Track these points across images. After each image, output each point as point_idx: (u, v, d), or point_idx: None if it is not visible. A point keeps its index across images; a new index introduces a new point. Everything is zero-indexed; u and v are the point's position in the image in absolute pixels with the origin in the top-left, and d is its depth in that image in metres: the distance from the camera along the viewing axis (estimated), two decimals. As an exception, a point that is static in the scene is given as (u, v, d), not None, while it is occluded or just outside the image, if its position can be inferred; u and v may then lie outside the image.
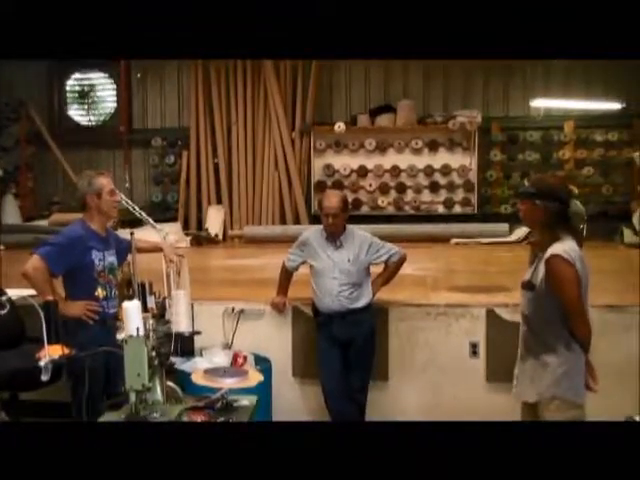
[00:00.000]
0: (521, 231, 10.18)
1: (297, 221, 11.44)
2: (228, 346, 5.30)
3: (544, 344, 3.46)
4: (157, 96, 12.85)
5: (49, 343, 3.19)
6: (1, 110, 13.04)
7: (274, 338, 5.42)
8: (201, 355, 5.19)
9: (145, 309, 3.44)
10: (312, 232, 5.19)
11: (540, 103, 11.38)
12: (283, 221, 11.54)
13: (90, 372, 3.85)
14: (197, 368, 3.64)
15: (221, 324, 5.42)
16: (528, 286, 3.50)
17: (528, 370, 3.55)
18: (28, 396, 5.42)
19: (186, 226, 11.71)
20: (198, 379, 3.29)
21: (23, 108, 12.79)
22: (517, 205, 3.76)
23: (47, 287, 4.18)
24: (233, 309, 5.46)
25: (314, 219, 11.25)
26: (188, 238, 10.81)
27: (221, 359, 5.03)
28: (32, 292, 4.79)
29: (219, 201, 11.83)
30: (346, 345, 4.96)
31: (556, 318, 3.40)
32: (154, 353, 2.95)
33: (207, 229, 11.28)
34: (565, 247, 3.37)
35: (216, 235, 11.25)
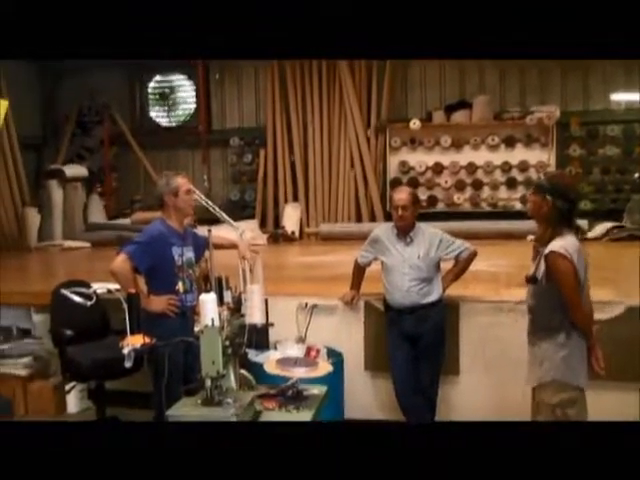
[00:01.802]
0: (601, 227, 10.02)
1: (373, 218, 11.53)
2: (302, 340, 5.43)
3: (546, 332, 3.67)
4: (235, 96, 13.14)
5: (131, 333, 3.40)
6: (85, 113, 13.61)
7: (346, 332, 5.53)
8: (275, 348, 5.34)
9: (221, 303, 3.62)
10: (383, 229, 5.29)
11: (621, 96, 11.14)
12: (359, 219, 11.65)
13: (170, 362, 4.06)
14: (269, 359, 3.77)
15: (295, 318, 5.55)
16: (532, 280, 3.70)
17: (533, 357, 3.76)
18: (113, 385, 5.71)
19: (263, 224, 11.96)
20: (270, 368, 3.44)
21: (106, 111, 13.31)
22: (527, 197, 3.87)
23: (132, 283, 4.41)
24: (307, 304, 5.59)
25: (390, 216, 11.31)
26: (265, 236, 11.03)
27: (295, 352, 5.17)
28: (117, 286, 5.07)
29: (295, 199, 12.03)
30: (416, 340, 5.03)
31: (556, 308, 3.60)
32: (228, 343, 3.10)
33: (284, 227, 11.49)
34: (563, 243, 3.52)
35: (293, 232, 11.45)
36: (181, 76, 13.73)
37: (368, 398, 5.49)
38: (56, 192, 11.83)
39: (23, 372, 6.41)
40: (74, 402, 6.28)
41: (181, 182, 4.73)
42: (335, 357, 5.19)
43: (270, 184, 12.21)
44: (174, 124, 13.89)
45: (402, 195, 5.08)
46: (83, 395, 6.31)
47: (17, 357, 6.53)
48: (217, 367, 2.99)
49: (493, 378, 5.26)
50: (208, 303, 3.39)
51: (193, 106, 13.63)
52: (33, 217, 11.67)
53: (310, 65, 12.01)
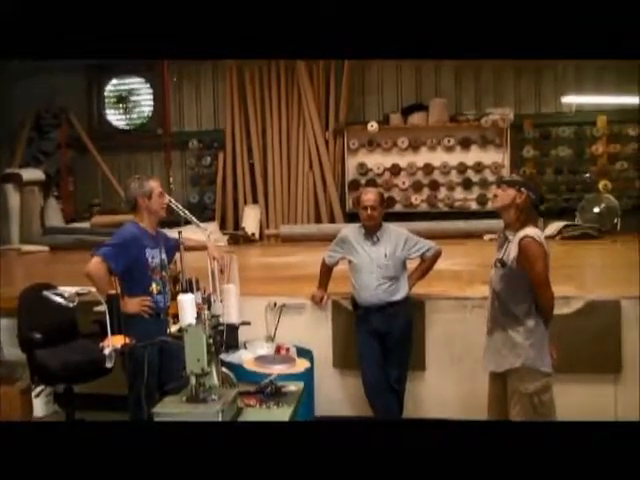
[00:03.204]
0: (555, 226, 10.28)
1: (332, 220, 11.66)
2: (271, 339, 5.52)
3: (513, 317, 3.93)
4: (193, 99, 13.16)
5: (112, 334, 3.45)
6: (42, 116, 13.45)
7: (315, 331, 5.64)
8: (245, 348, 5.41)
9: None
10: (350, 229, 5.40)
11: (572, 99, 11.46)
12: (318, 220, 11.77)
13: (141, 364, 4.12)
14: (247, 357, 3.86)
15: (264, 318, 5.63)
16: (500, 263, 3.95)
17: (497, 342, 4.03)
18: (80, 389, 5.71)
19: (223, 226, 12.00)
20: (250, 365, 3.52)
21: (63, 114, 13.19)
22: (494, 191, 4.49)
23: (108, 285, 4.44)
24: (275, 304, 5.68)
25: (349, 217, 11.47)
26: (225, 237, 11.07)
27: (265, 351, 5.25)
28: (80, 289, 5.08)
29: (255, 201, 12.10)
30: (384, 337, 5.16)
31: (525, 293, 3.88)
32: (211, 341, 3.18)
33: (244, 228, 11.55)
34: (535, 231, 3.86)
35: (253, 234, 11.52)
36: (138, 79, 13.68)
37: (337, 395, 5.60)
38: (13, 196, 11.72)
39: (-13, 377, 6.38)
40: (40, 406, 6.25)
41: (154, 185, 4.78)
42: (305, 355, 5.27)
43: (229, 186, 12.26)
44: (132, 127, 13.82)
45: (370, 196, 5.20)
46: (49, 399, 6.30)
47: (-18, 362, 6.49)
48: (202, 364, 3.07)
49: (459, 373, 5.41)
50: (186, 303, 3.46)
51: (151, 109, 13.60)
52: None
53: (269, 68, 12.10)
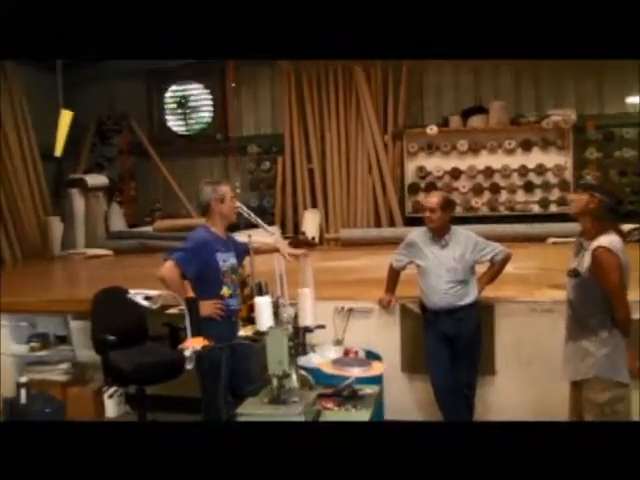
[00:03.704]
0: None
1: (391, 223, 11.65)
2: (339, 342, 5.54)
3: (587, 327, 3.82)
4: (251, 104, 13.28)
5: (192, 336, 3.52)
6: (104, 123, 13.75)
7: (383, 335, 5.64)
8: (314, 352, 5.45)
9: None
10: (417, 233, 5.39)
11: (636, 99, 11.24)
12: (378, 224, 11.77)
13: (218, 366, 4.20)
14: (322, 360, 3.89)
15: (331, 322, 5.65)
16: (574, 273, 3.84)
17: (572, 351, 3.91)
18: (151, 390, 5.82)
19: (282, 230, 12.07)
20: (326, 368, 3.55)
21: (125, 120, 13.47)
22: (570, 196, 4.05)
23: (182, 289, 4.52)
24: (343, 308, 5.71)
25: (408, 221, 11.45)
26: (286, 242, 11.12)
27: (333, 355, 5.28)
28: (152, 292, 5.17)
29: (314, 205, 12.15)
30: (453, 341, 5.13)
31: (598, 303, 3.76)
32: (291, 343, 3.21)
33: (304, 232, 11.60)
34: (611, 239, 3.70)
35: (313, 238, 11.57)
36: (197, 85, 13.87)
37: (406, 399, 5.59)
38: (78, 201, 11.97)
39: (62, 378, 6.55)
40: (112, 407, 6.39)
41: (226, 189, 4.85)
42: (373, 359, 5.28)
43: (289, 191, 12.35)
44: (191, 132, 14.02)
45: (431, 199, 5.21)
46: (121, 400, 6.44)
47: (55, 363, 6.67)
48: (283, 366, 3.11)
49: (528, 378, 5.36)
50: (264, 305, 3.51)
51: (210, 114, 13.77)
52: (56, 226, 11.80)
53: (326, 72, 12.16)
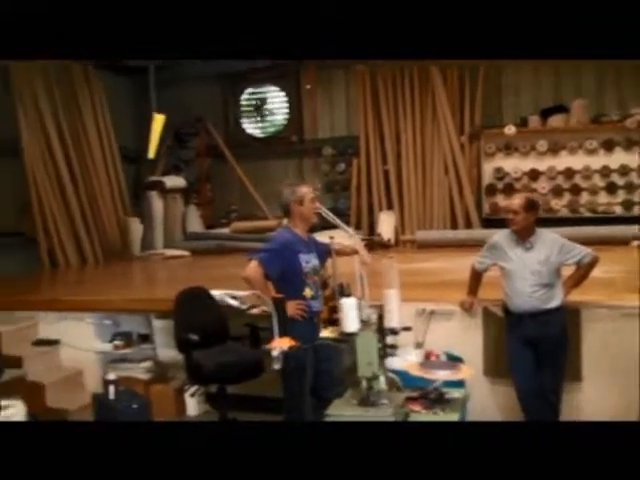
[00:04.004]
0: None
1: (468, 225, 11.50)
2: (420, 345, 5.49)
3: None
4: (327, 106, 13.30)
5: (279, 336, 3.53)
6: (181, 126, 13.97)
7: (465, 338, 5.55)
8: (395, 354, 5.41)
9: None
10: (501, 235, 5.29)
11: None
12: (454, 225, 11.64)
13: (303, 367, 4.20)
14: (408, 363, 3.85)
15: (412, 324, 5.59)
16: None
17: None
18: (231, 390, 5.87)
19: (358, 232, 12.04)
20: (414, 370, 3.51)
21: (201, 124, 13.67)
22: None
23: (266, 289, 4.55)
24: (424, 310, 5.65)
25: (485, 223, 11.28)
26: (363, 243, 11.09)
27: (414, 357, 5.23)
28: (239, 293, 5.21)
29: (389, 207, 12.09)
30: (537, 345, 5.01)
31: None
32: (380, 345, 3.19)
33: (380, 234, 11.56)
34: None
35: (388, 240, 11.51)
36: (273, 87, 13.98)
37: (488, 403, 5.49)
38: (157, 203, 12.22)
39: (145, 376, 6.68)
40: (193, 405, 6.48)
41: (306, 191, 4.86)
42: (455, 362, 5.21)
43: (364, 192, 12.32)
44: (266, 135, 14.14)
45: (514, 200, 5.13)
46: (201, 399, 6.53)
47: (138, 361, 6.80)
48: (373, 368, 3.10)
49: (617, 384, 5.19)
50: (350, 307, 3.50)
51: (285, 117, 13.86)
52: (135, 227, 12.07)
53: (402, 72, 12.08)
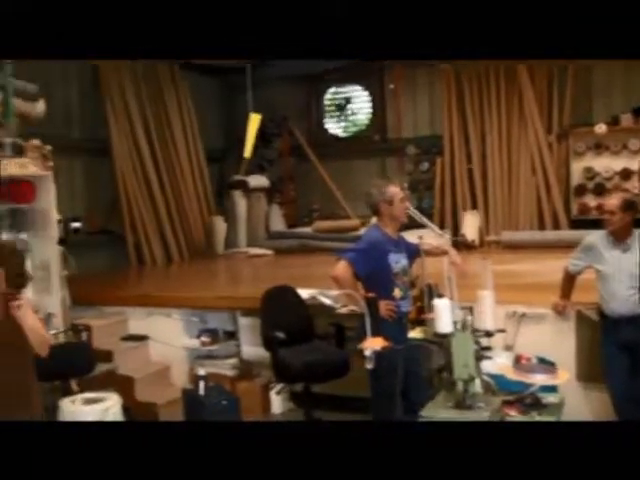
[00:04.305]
0: None
1: (556, 226, 11.20)
2: (509, 348, 5.37)
3: None
4: (410, 105, 13.19)
5: (371, 336, 3.50)
6: (266, 125, 14.06)
7: (557, 342, 5.41)
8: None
9: (430, 309, 3.67)
10: (596, 236, 5.14)
11: None
12: (541, 226, 11.35)
13: (394, 368, 4.16)
14: (503, 366, 3.77)
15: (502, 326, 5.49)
16: None
17: None
18: (316, 388, 5.88)
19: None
20: (509, 373, 3.43)
21: (285, 124, 13.75)
22: None
23: (355, 289, 4.53)
24: (515, 312, 5.53)
25: (574, 224, 10.97)
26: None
27: (504, 360, 5.12)
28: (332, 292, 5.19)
29: (474, 207, 11.90)
30: (633, 350, 4.85)
31: None
32: (476, 347, 3.13)
33: (464, 235, 11.38)
34: None
35: (473, 241, 11.32)
36: (356, 87, 13.94)
37: (582, 409, 5.33)
38: (240, 202, 12.35)
39: (230, 372, 6.76)
40: (278, 403, 6.52)
41: (395, 190, 4.82)
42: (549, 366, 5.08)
43: (448, 192, 12.16)
44: (349, 134, 14.12)
45: (611, 200, 5.00)
46: (285, 397, 6.56)
47: (224, 358, 6.89)
48: (469, 370, 3.03)
49: None
50: (444, 308, 3.44)
51: (368, 116, 13.82)
52: (220, 225, 12.23)
53: (487, 72, 11.87)
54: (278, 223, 12.97)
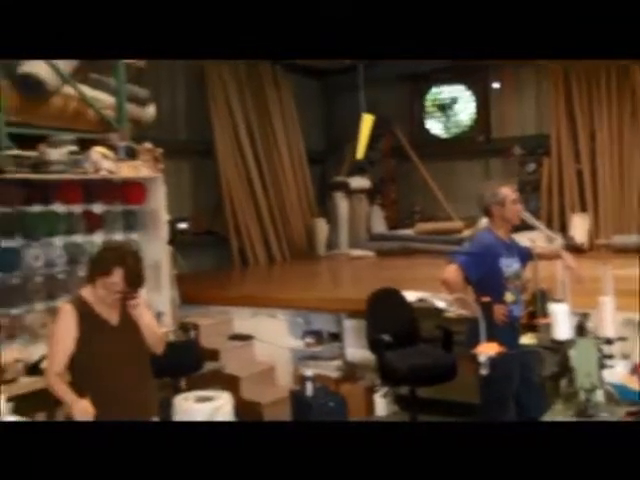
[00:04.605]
0: None
1: (671, 230, 10.71)
2: (626, 357, 5.13)
3: None
4: (515, 104, 12.89)
5: (486, 341, 3.41)
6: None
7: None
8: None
9: (544, 315, 3.52)
10: None
11: None
12: (655, 230, 10.87)
13: (509, 374, 4.04)
14: (621, 374, 3.59)
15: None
16: None
17: None
18: (422, 392, 5.79)
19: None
20: (630, 383, 3.28)
21: (387, 124, 13.66)
22: None
23: (466, 293, 4.44)
24: (632, 320, 5.29)
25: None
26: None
27: (621, 369, 4.90)
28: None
29: (583, 209, 11.50)
30: None
31: None
32: (600, 355, 3.00)
33: (572, 237, 11.01)
34: None
35: (582, 244, 10.94)
36: (459, 86, 13.73)
37: None
38: (342, 203, 12.35)
39: (334, 374, 6.75)
40: (383, 406, 6.47)
41: (507, 192, 4.69)
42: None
43: (555, 193, 11.80)
44: (452, 135, 13.93)
45: None
46: (389, 400, 6.50)
47: (328, 360, 6.90)
48: (592, 379, 2.91)
49: None
50: (562, 313, 3.32)
51: (471, 116, 13.58)
52: (321, 227, 12.27)
53: (597, 70, 11.45)
54: (379, 225, 12.93)
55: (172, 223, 6.89)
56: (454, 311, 5.21)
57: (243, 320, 7.45)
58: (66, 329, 3.53)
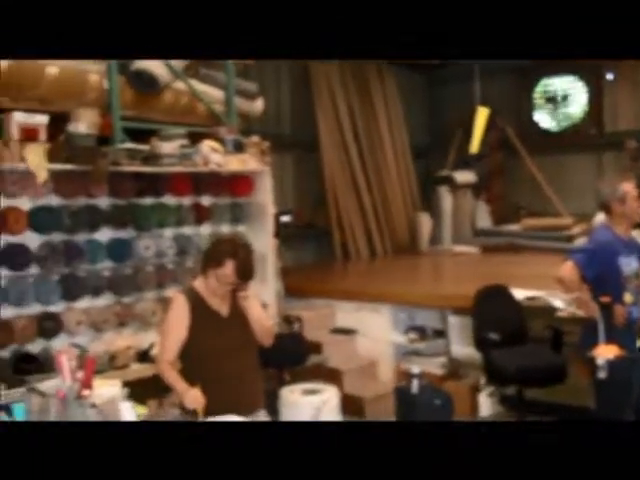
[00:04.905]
0: None
1: None
2: None
3: None
4: (630, 96, 12.36)
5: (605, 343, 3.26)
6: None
7: None
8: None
9: None
10: None
11: None
12: None
13: (629, 379, 3.86)
14: None
15: None
16: None
17: None
18: (533, 394, 5.61)
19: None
20: None
21: (494, 117, 13.34)
22: None
23: (583, 292, 4.27)
24: None
25: None
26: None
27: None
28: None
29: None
30: None
31: None
32: None
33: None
34: None
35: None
36: (570, 77, 13.26)
37: None
38: (446, 198, 12.17)
39: (438, 371, 6.65)
40: (487, 406, 6.32)
41: (629, 188, 4.47)
42: None
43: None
44: (562, 128, 13.48)
45: None
46: (494, 400, 6.34)
47: (432, 356, 6.80)
48: None
49: None
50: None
51: (583, 109, 13.10)
52: (425, 222, 12.11)
53: None
54: (484, 220, 12.67)
55: (277, 216, 6.95)
56: (567, 310, 5.01)
57: (346, 313, 7.44)
58: (179, 318, 3.58)
